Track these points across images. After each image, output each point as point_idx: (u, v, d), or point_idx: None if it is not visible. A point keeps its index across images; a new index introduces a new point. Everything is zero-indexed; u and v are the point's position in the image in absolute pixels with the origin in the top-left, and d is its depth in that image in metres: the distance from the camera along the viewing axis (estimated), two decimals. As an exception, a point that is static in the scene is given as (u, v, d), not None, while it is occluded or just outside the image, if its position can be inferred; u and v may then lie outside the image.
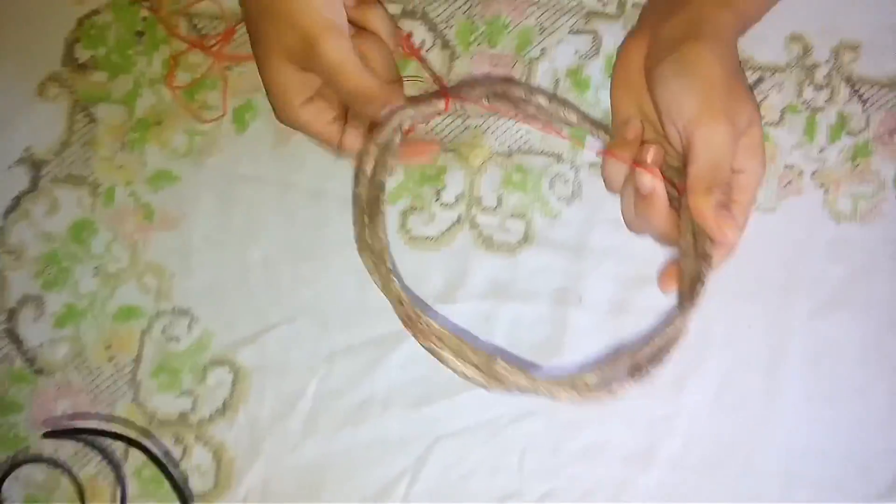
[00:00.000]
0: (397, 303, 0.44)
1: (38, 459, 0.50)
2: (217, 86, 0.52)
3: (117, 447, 0.50)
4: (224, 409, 0.50)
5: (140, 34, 0.52)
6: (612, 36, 0.51)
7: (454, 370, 0.43)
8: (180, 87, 0.52)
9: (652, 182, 0.43)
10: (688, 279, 0.44)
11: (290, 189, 0.51)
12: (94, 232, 0.52)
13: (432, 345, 0.44)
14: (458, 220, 0.51)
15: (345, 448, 0.50)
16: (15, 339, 0.51)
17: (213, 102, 0.52)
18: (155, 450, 0.49)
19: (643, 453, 0.49)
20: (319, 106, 0.45)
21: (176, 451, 0.50)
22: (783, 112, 0.50)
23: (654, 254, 0.47)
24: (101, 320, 0.51)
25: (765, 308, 0.49)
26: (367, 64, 0.44)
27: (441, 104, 0.46)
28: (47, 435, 0.49)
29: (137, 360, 0.51)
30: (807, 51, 0.51)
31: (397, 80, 0.47)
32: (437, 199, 0.51)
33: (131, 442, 0.49)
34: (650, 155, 0.44)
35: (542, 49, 0.52)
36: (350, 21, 0.45)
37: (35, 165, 0.52)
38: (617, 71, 0.46)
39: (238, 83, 0.52)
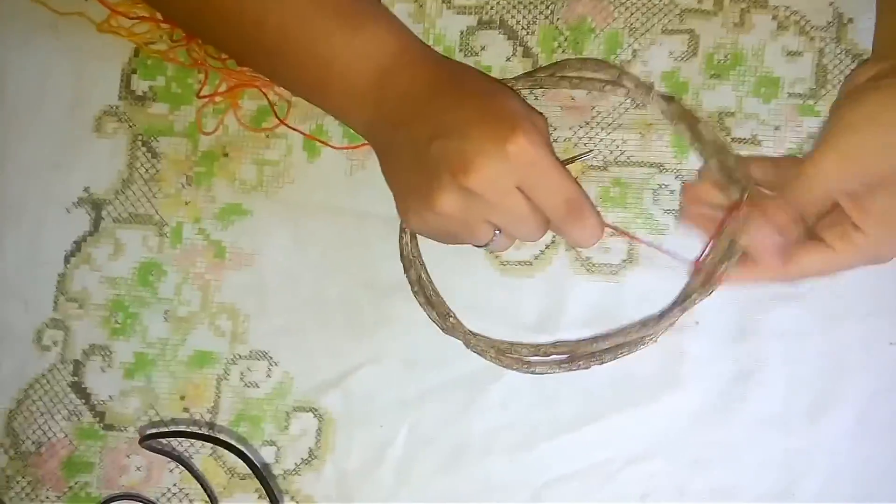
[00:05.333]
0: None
1: (130, 497, 0.47)
2: (283, 111, 0.49)
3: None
4: (310, 458, 0.46)
5: (200, 61, 0.50)
6: (711, 34, 0.47)
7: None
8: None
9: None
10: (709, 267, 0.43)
11: (368, 218, 0.47)
12: (163, 274, 0.48)
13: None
14: (553, 242, 0.47)
15: (441, 498, 0.46)
16: (82, 393, 0.48)
17: (281, 130, 0.48)
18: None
19: (780, 493, 0.44)
20: None
21: (261, 509, 0.46)
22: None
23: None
24: (173, 368, 0.48)
25: (905, 323, 0.44)
26: None
27: None
28: (145, 440, 0.46)
29: (215, 409, 0.47)
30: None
31: None
32: (528, 221, 0.47)
33: (232, 448, 0.46)
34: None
35: (634, 51, 0.48)
36: None
37: (96, 206, 0.49)
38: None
39: (308, 107, 0.48)
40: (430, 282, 0.45)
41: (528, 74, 0.47)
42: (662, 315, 0.44)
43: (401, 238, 0.46)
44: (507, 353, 0.44)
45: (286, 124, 0.48)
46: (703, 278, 0.43)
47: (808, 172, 0.40)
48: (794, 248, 0.41)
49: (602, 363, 0.44)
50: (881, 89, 0.39)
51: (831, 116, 0.41)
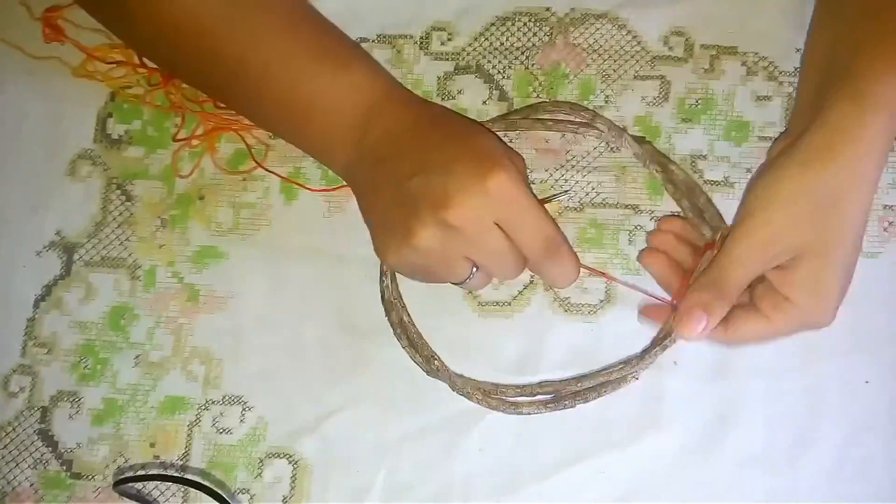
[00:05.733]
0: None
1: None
2: (260, 154, 0.49)
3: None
4: (284, 507, 0.45)
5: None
6: (682, 80, 0.48)
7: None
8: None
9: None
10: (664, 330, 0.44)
11: (346, 260, 0.47)
12: (134, 318, 0.47)
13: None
14: (531, 282, 0.47)
15: (420, 547, 0.45)
16: (49, 440, 0.47)
17: (258, 173, 0.48)
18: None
19: (761, 535, 0.43)
20: None
21: (233, 561, 0.45)
22: (877, 148, 0.47)
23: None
24: (143, 415, 0.46)
25: (881, 361, 0.45)
26: None
27: None
28: (118, 483, 0.44)
29: (186, 456, 0.46)
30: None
31: None
32: (506, 262, 0.47)
33: (213, 494, 0.44)
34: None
35: (607, 97, 0.48)
36: None
37: (67, 249, 0.49)
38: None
39: (286, 150, 0.48)
40: (413, 324, 0.45)
41: (502, 117, 0.48)
42: (643, 354, 0.44)
43: (381, 280, 0.45)
44: (492, 395, 0.44)
45: (263, 167, 0.48)
46: None
47: (721, 262, 0.40)
48: (735, 314, 0.41)
49: (587, 402, 0.43)
50: (778, 165, 0.39)
51: (743, 196, 0.41)
